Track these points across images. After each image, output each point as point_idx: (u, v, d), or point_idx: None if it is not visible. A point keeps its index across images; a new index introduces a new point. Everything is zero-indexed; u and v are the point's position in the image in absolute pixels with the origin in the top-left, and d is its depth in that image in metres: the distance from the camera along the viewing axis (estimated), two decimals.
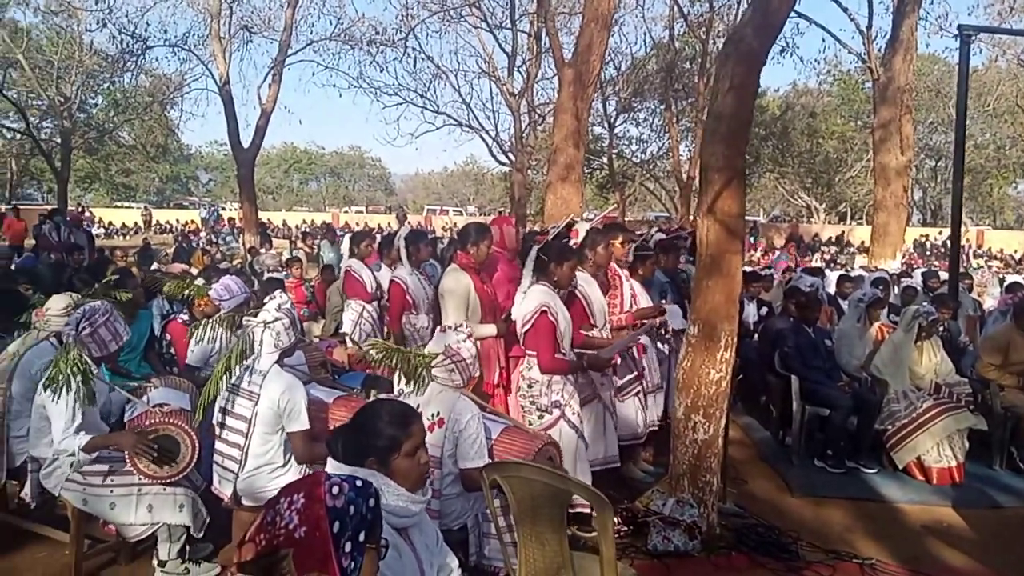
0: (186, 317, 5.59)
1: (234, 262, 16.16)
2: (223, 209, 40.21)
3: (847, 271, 11.73)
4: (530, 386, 4.00)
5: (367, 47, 18.23)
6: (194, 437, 3.60)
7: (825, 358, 6.15)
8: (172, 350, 5.66)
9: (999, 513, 5.03)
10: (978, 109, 34.82)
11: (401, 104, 19.92)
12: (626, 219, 28.55)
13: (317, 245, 12.06)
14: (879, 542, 4.48)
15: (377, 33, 18.22)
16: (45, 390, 3.58)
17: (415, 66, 18.61)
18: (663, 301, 5.50)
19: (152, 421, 3.58)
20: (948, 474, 5.46)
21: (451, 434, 3.19)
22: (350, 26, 18.68)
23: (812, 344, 6.14)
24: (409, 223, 34.71)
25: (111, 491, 3.63)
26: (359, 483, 1.60)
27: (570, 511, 3.70)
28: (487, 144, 20.25)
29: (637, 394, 4.90)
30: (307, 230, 18.60)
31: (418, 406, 3.24)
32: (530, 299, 4.02)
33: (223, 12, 17.44)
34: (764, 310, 8.14)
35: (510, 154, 20.37)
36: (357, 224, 35.77)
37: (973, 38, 6.58)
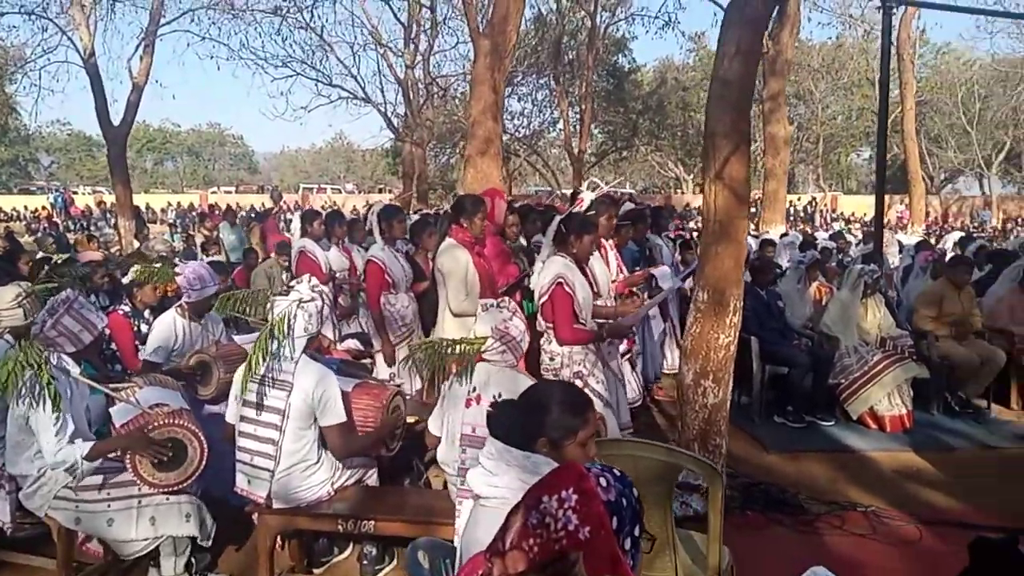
0: (128, 309, 5.07)
1: (111, 249, 14.89)
2: (75, 193, 36.96)
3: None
4: (552, 359, 3.89)
5: (260, 19, 17.07)
6: (203, 439, 3.26)
7: (777, 318, 6.39)
8: (113, 345, 5.11)
9: (954, 455, 5.39)
10: (829, 83, 37.43)
11: (291, 76, 18.90)
12: (512, 192, 28.65)
13: (216, 228, 11.28)
14: (865, 490, 4.69)
15: (284, 0, 17.03)
16: (20, 401, 3.13)
17: (322, 35, 17.44)
18: (636, 268, 5.52)
19: (156, 424, 3.20)
20: (900, 421, 5.82)
21: None
22: None
23: (766, 305, 6.35)
24: (285, 202, 33.10)
25: (108, 505, 3.25)
26: (618, 472, 1.45)
27: None
28: (385, 117, 19.56)
29: (629, 359, 4.89)
30: (204, 212, 17.38)
31: (474, 388, 3.08)
32: (547, 271, 3.90)
33: None
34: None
35: (403, 128, 19.82)
36: (228, 205, 33.84)
37: (894, 9, 6.97)
